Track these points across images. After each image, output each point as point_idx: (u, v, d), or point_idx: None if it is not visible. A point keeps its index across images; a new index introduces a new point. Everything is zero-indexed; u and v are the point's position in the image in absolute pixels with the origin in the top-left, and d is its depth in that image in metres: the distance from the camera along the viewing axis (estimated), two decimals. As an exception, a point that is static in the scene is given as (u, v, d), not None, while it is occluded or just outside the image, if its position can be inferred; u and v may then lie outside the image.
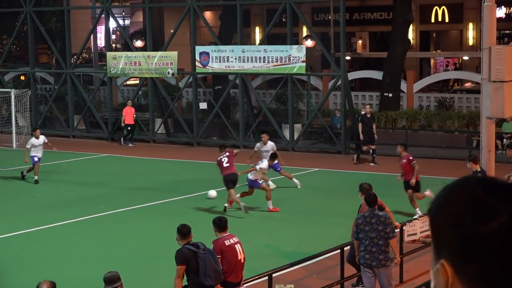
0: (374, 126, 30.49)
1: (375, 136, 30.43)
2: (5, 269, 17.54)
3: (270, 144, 25.22)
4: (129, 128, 36.71)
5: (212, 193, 23.91)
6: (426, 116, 35.39)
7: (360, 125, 30.53)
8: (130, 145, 36.61)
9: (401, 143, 22.73)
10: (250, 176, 22.36)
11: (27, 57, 44.21)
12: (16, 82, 45.73)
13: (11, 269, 17.54)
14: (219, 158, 22.12)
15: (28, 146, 27.43)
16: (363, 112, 33.74)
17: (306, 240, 19.53)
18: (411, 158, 21.37)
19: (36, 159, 27.22)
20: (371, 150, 30.51)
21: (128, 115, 36.51)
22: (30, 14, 40.70)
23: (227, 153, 22.21)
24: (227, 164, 21.88)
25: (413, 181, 21.17)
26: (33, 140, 27.46)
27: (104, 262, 17.19)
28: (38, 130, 28.23)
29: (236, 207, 22.23)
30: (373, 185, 15.90)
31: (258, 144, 25.97)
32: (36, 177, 27.30)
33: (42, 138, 27.65)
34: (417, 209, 20.80)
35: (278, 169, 25.43)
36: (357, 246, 14.01)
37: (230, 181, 21.80)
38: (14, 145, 36.74)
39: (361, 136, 30.46)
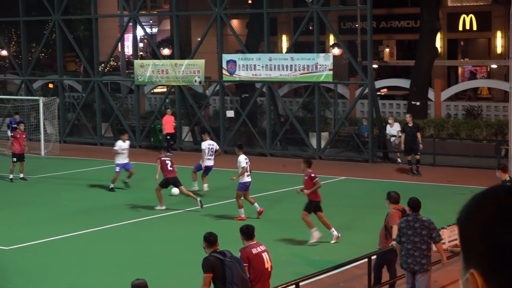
0: (419, 135, 30.01)
1: (420, 145, 29.92)
2: (10, 277, 17.64)
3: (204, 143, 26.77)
4: (168, 137, 36.73)
5: (175, 191, 25.12)
6: (454, 124, 35.18)
7: (402, 135, 30.14)
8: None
9: (305, 159, 20.81)
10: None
11: (55, 65, 44.54)
12: (45, 90, 46.09)
13: (37, 276, 17.63)
14: (162, 159, 24.28)
15: (116, 148, 27.67)
16: (389, 121, 33.68)
17: (333, 248, 19.47)
18: (313, 175, 19.86)
19: (117, 169, 27.41)
20: (415, 160, 30.10)
21: (168, 123, 36.41)
22: (58, 23, 40.99)
23: (169, 158, 24.66)
24: (171, 168, 24.15)
25: (306, 192, 19.83)
26: (120, 143, 27.70)
27: (131, 270, 17.22)
28: (126, 134, 28.44)
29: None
30: (401, 193, 15.83)
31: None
32: (112, 185, 27.49)
33: (128, 143, 27.89)
34: (313, 228, 19.69)
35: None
36: (399, 250, 14.04)
37: (171, 183, 24.18)
38: (43, 153, 36.98)
39: (402, 146, 30.12)
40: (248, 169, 22.51)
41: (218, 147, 26.88)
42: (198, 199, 23.94)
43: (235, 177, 22.81)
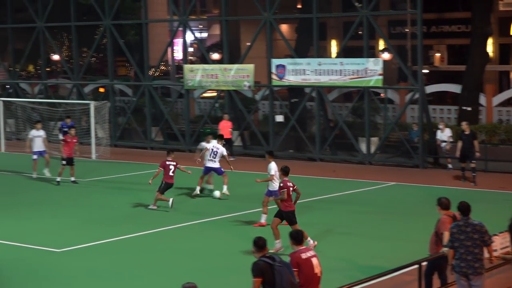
0: (476, 143, 29.23)
1: (476, 154, 29.13)
2: (61, 279, 17.79)
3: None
4: (224, 142, 36.55)
5: (217, 193, 26.51)
6: (506, 130, 34.78)
7: (459, 142, 29.60)
8: (232, 159, 36.24)
9: (282, 167, 20.08)
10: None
11: (106, 69, 44.95)
12: (96, 94, 46.50)
13: (87, 278, 17.76)
14: (167, 163, 25.01)
15: (199, 147, 28.27)
16: (440, 126, 33.34)
17: (383, 254, 19.33)
18: (281, 185, 19.44)
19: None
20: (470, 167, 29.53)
21: (224, 129, 35.50)
22: (109, 27, 41.35)
23: (174, 162, 25.11)
24: (172, 174, 25.00)
25: (275, 198, 19.77)
26: (204, 144, 28.01)
27: (181, 274, 17.30)
28: (210, 136, 28.58)
29: (163, 204, 25.00)
30: (451, 199, 15.65)
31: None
32: (209, 186, 27.81)
33: (213, 144, 27.92)
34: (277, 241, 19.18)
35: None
36: (451, 255, 13.91)
37: (167, 188, 25.03)
38: (94, 156, 37.32)
39: (458, 153, 29.64)
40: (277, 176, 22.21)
41: (225, 153, 26.91)
42: (170, 199, 24.90)
43: (259, 180, 22.82)
